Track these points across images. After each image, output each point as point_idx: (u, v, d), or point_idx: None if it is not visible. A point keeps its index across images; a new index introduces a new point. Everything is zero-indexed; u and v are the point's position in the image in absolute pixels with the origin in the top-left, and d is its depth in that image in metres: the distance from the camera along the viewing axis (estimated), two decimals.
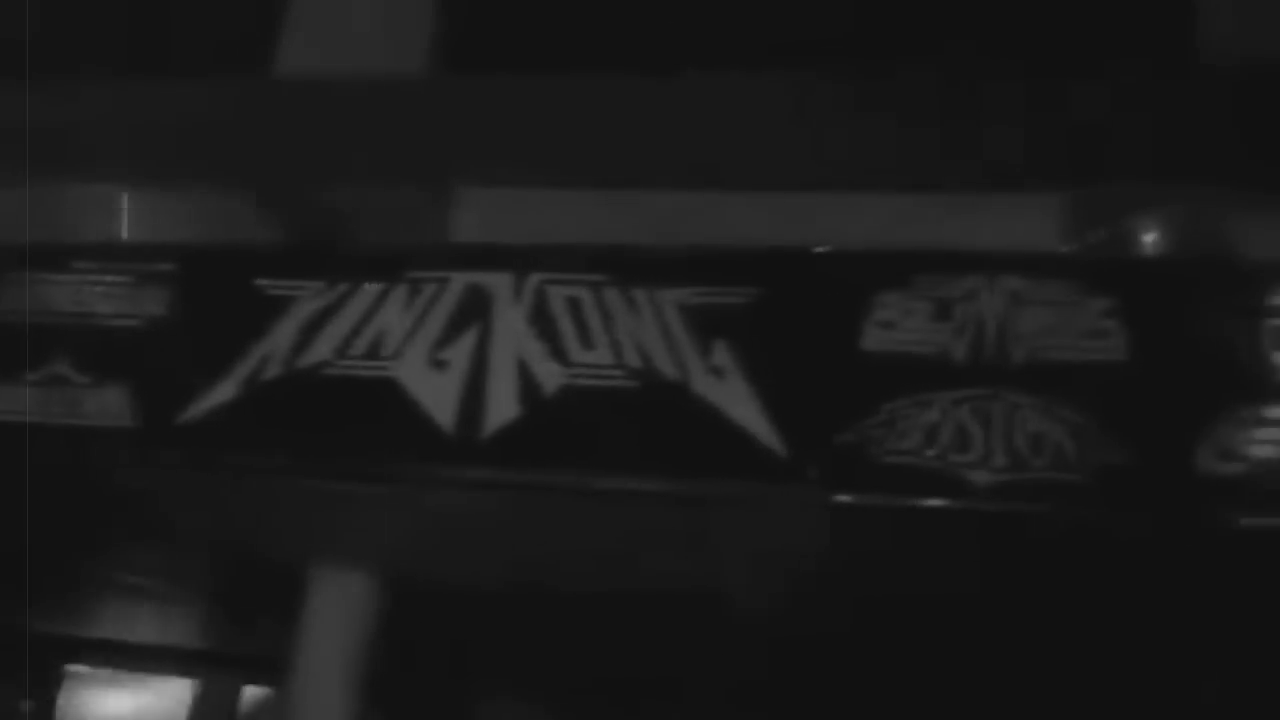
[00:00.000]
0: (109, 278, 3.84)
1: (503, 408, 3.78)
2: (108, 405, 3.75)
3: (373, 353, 3.85)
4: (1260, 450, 3.56)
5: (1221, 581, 3.60)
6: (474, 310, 3.84)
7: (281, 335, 3.82)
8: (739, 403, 3.71)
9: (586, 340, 3.80)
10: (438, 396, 3.78)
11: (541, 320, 3.83)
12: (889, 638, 3.97)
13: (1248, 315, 3.57)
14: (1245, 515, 3.51)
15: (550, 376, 3.81)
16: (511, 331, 3.80)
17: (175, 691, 3.81)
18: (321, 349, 3.81)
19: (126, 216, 3.83)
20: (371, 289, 3.86)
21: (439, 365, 3.79)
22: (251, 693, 3.68)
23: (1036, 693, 4.02)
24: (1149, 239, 3.95)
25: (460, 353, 3.80)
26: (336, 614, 3.75)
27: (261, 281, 3.82)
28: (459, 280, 3.86)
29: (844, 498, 3.56)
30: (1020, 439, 3.62)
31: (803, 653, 4.20)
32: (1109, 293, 3.64)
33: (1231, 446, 3.55)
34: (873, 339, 3.72)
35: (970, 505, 3.54)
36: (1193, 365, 3.59)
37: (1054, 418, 3.62)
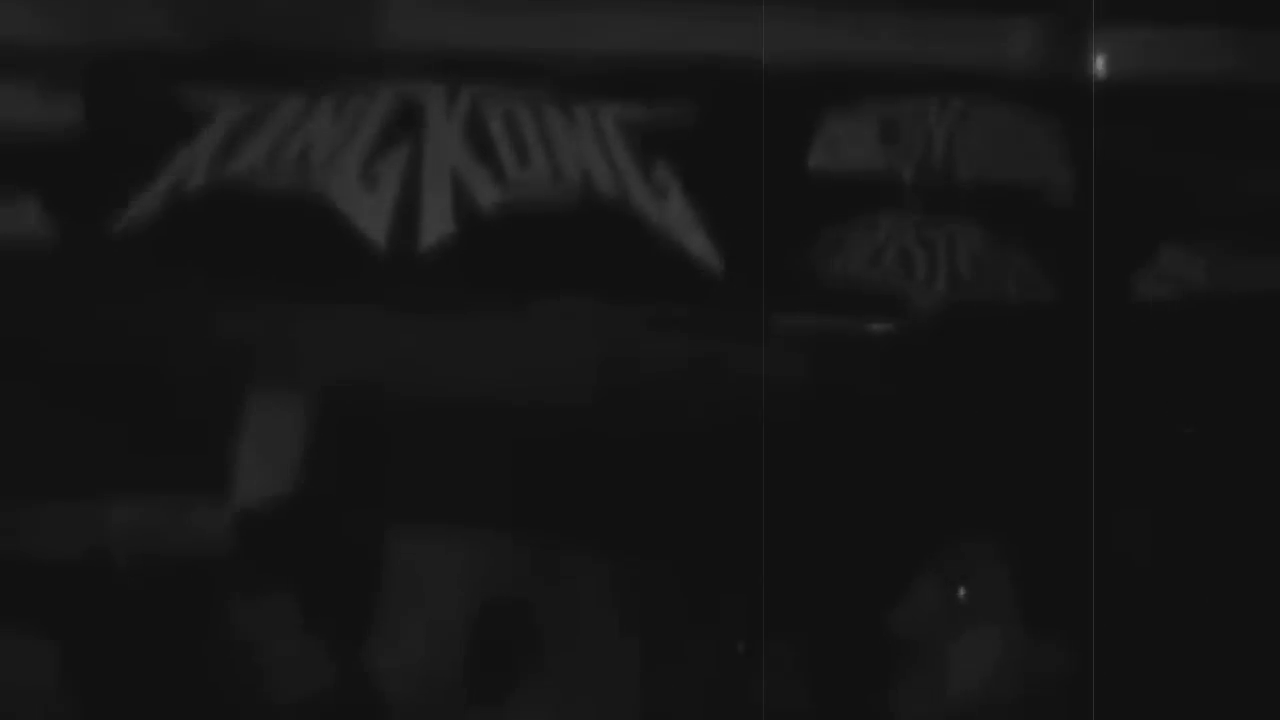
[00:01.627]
0: (15, 85, 3.49)
1: (437, 225, 3.55)
2: (23, 218, 3.44)
3: (300, 167, 3.59)
4: (1194, 274, 3.47)
5: (1148, 397, 3.53)
6: (405, 124, 3.58)
7: (203, 146, 3.52)
8: (681, 223, 3.52)
9: (524, 157, 3.57)
10: (369, 212, 3.54)
11: (477, 135, 3.58)
12: (824, 458, 3.86)
13: (1189, 142, 3.44)
14: (1174, 336, 3.43)
15: (486, 194, 3.59)
16: (445, 147, 3.55)
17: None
18: (246, 162, 3.53)
19: (31, 16, 3.46)
20: (297, 99, 3.57)
21: (370, 180, 3.54)
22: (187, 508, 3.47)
23: (951, 507, 3.94)
24: (1101, 62, 3.79)
25: (392, 168, 3.54)
26: (270, 434, 3.54)
27: (181, 89, 3.51)
28: (388, 91, 3.58)
29: (789, 320, 3.40)
30: (963, 263, 3.50)
31: (735, 475, 4.08)
32: (1056, 117, 3.49)
33: (1168, 271, 3.46)
34: (819, 158, 3.55)
35: (913, 328, 3.41)
36: (1136, 191, 3.47)
37: (997, 242, 3.50)
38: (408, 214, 3.44)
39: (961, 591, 1.57)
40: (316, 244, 3.45)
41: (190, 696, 2.49)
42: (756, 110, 3.49)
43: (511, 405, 3.83)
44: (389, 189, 3.46)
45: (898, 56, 3.45)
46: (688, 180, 3.44)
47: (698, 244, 3.43)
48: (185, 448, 3.35)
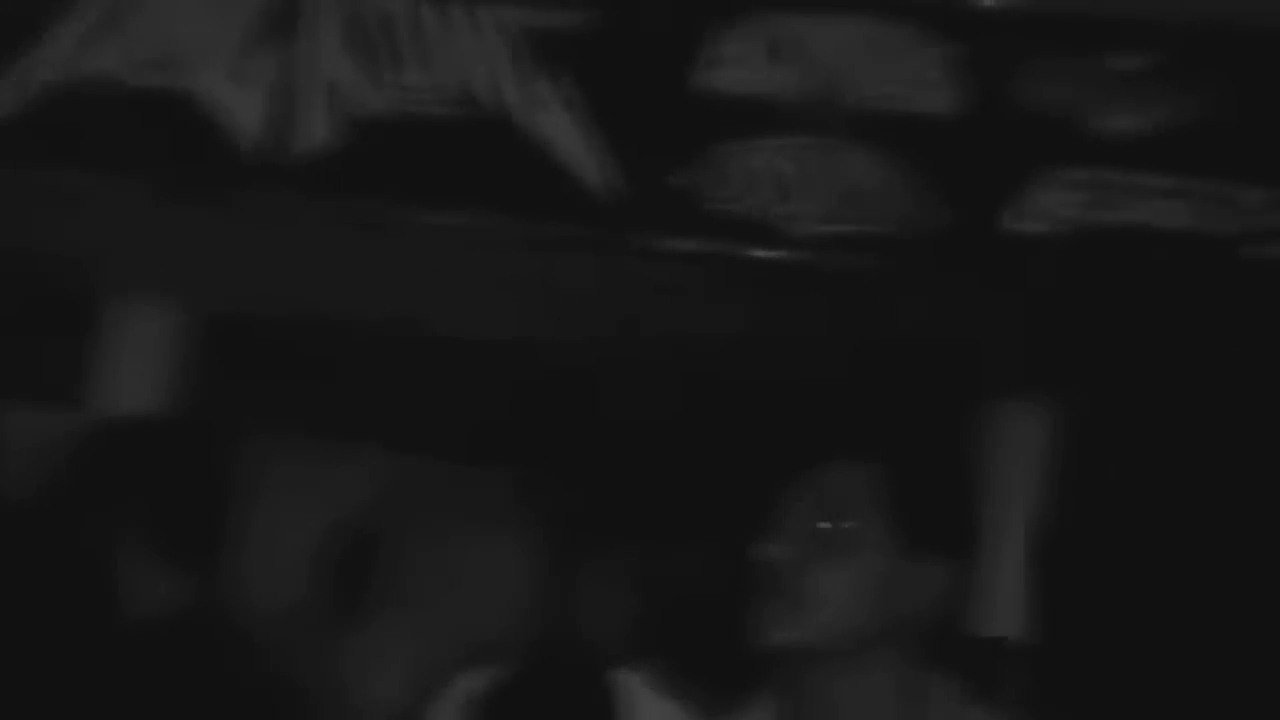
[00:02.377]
0: None
1: (312, 130, 3.38)
2: None
3: (166, 62, 3.37)
4: (1064, 211, 3.46)
5: (1019, 335, 3.55)
6: (280, 19, 3.37)
7: (63, 40, 3.28)
8: (565, 138, 3.41)
9: (403, 62, 3.40)
10: (240, 113, 3.35)
11: (355, 36, 3.40)
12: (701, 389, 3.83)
13: (1075, 73, 3.40)
14: (1044, 273, 3.43)
15: (364, 99, 3.42)
16: (322, 45, 3.36)
17: None
18: (109, 57, 3.30)
19: None
20: None
21: (241, 79, 3.34)
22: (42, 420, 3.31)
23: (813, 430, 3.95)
24: None
25: (265, 67, 3.34)
26: (135, 344, 3.38)
27: None
28: None
29: (671, 244, 3.33)
30: (840, 191, 3.44)
31: (612, 400, 4.03)
32: (944, 42, 3.41)
33: (1037, 206, 3.44)
34: (705, 77, 3.44)
35: (787, 256, 3.36)
36: (1013, 124, 3.43)
37: (878, 169, 3.45)
38: (280, 117, 3.26)
39: (832, 520, 1.61)
40: (182, 145, 3.26)
41: (41, 611, 2.39)
42: (646, 22, 3.35)
43: (385, 322, 3.70)
44: (261, 90, 3.27)
45: None
46: (573, 92, 3.30)
47: (582, 159, 3.31)
48: (38, 357, 3.18)
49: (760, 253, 3.34)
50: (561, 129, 3.34)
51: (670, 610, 2.78)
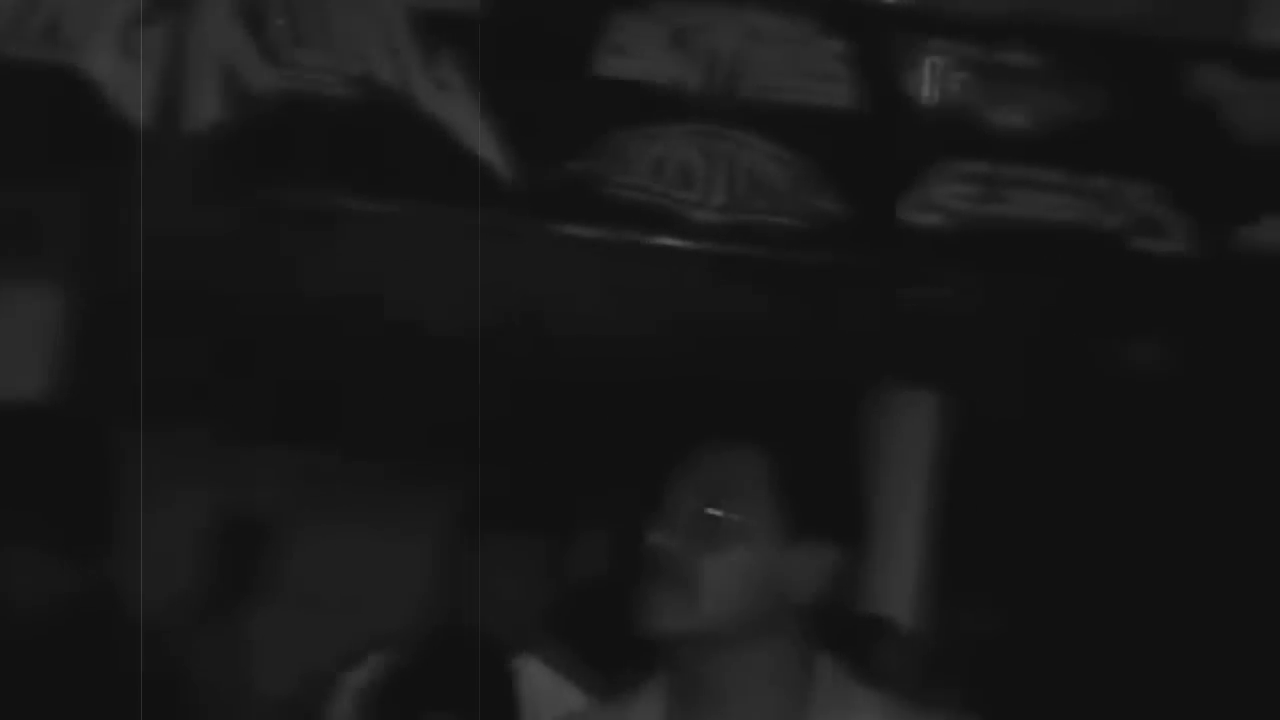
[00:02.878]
0: None
1: (203, 108, 3.24)
2: None
3: (49, 33, 3.20)
4: (958, 203, 3.48)
5: (913, 322, 3.56)
6: None
7: None
8: (466, 121, 3.32)
9: (300, 39, 3.28)
10: (127, 89, 3.19)
11: (249, 13, 3.27)
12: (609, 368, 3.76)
13: (970, 69, 3.43)
14: (939, 264, 3.45)
15: (258, 77, 3.29)
16: (215, 21, 3.23)
17: None
18: None
19: None
20: None
21: (129, 53, 3.19)
22: None
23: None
24: None
25: (154, 40, 3.20)
26: (15, 328, 3.19)
27: None
28: None
29: (571, 229, 3.27)
30: (742, 179, 3.42)
31: (510, 387, 3.95)
32: (843, 36, 3.41)
33: (932, 198, 3.46)
34: (606, 63, 3.38)
35: (689, 243, 3.33)
36: (909, 116, 3.44)
37: (776, 160, 3.44)
38: (171, 93, 3.11)
39: (719, 506, 1.57)
40: (66, 120, 3.09)
41: None
42: (547, 7, 3.29)
43: (275, 305, 3.56)
44: (151, 65, 3.12)
45: None
46: (474, 75, 3.21)
47: (482, 142, 3.22)
48: None
49: (663, 240, 3.28)
50: (462, 112, 3.25)
51: (570, 595, 2.72)
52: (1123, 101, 3.42)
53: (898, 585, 3.64)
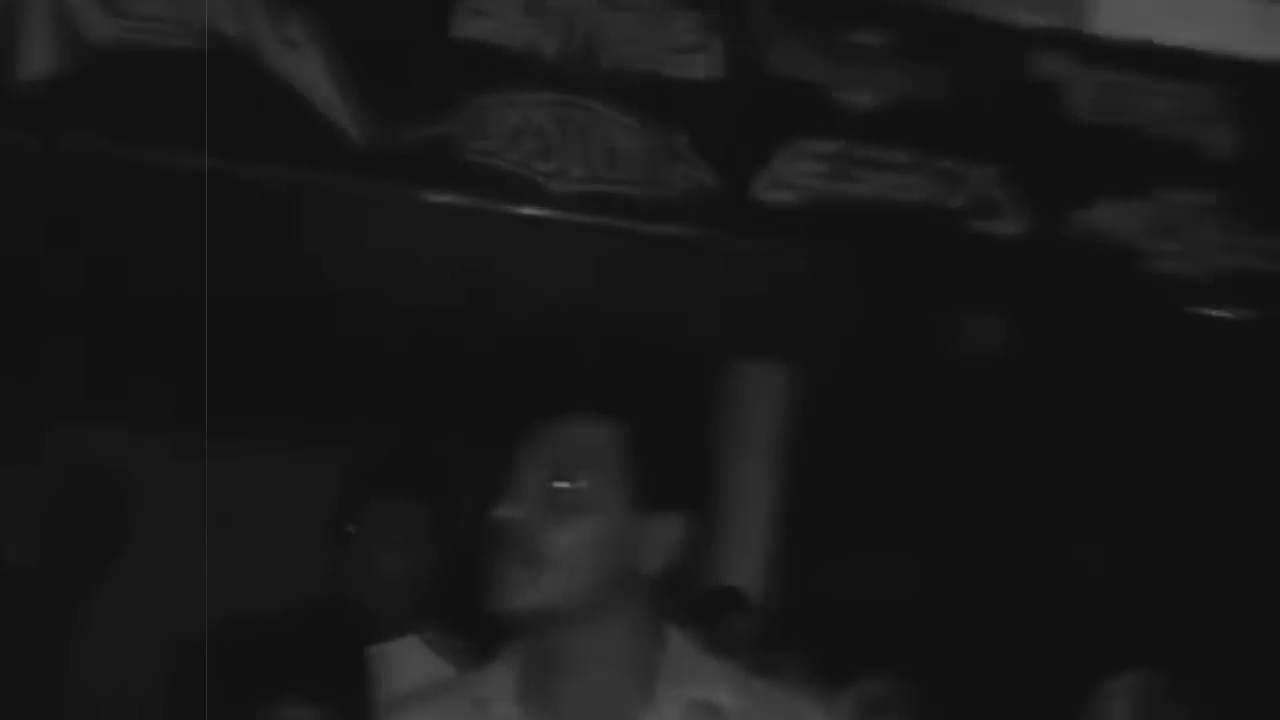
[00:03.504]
0: None
1: (37, 58, 3.02)
2: None
3: None
4: (810, 181, 3.47)
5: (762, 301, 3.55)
6: None
7: None
8: (316, 81, 3.16)
9: None
10: None
11: None
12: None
13: (821, 47, 3.41)
14: (791, 240, 3.43)
15: (96, 26, 3.08)
16: None
17: None
18: None
19: None
20: None
21: None
22: None
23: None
24: None
25: None
26: None
27: None
28: None
29: (426, 194, 3.15)
30: (599, 150, 3.35)
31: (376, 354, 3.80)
32: (698, 8, 3.36)
33: (785, 175, 3.45)
34: (462, 25, 3.26)
35: (547, 213, 3.25)
36: (765, 93, 3.41)
37: (633, 131, 3.37)
38: (5, 41, 2.89)
39: (566, 478, 1.52)
40: None
41: None
42: None
43: (110, 264, 3.35)
44: None
45: None
46: (325, 33, 3.06)
47: (334, 104, 3.07)
48: None
49: (520, 209, 3.18)
50: (311, 71, 3.08)
51: (446, 569, 2.62)
52: (966, 84, 3.42)
53: (747, 555, 3.62)
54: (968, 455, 3.78)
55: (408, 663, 2.24)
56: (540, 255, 3.31)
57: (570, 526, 1.50)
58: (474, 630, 2.46)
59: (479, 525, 1.67)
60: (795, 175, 3.39)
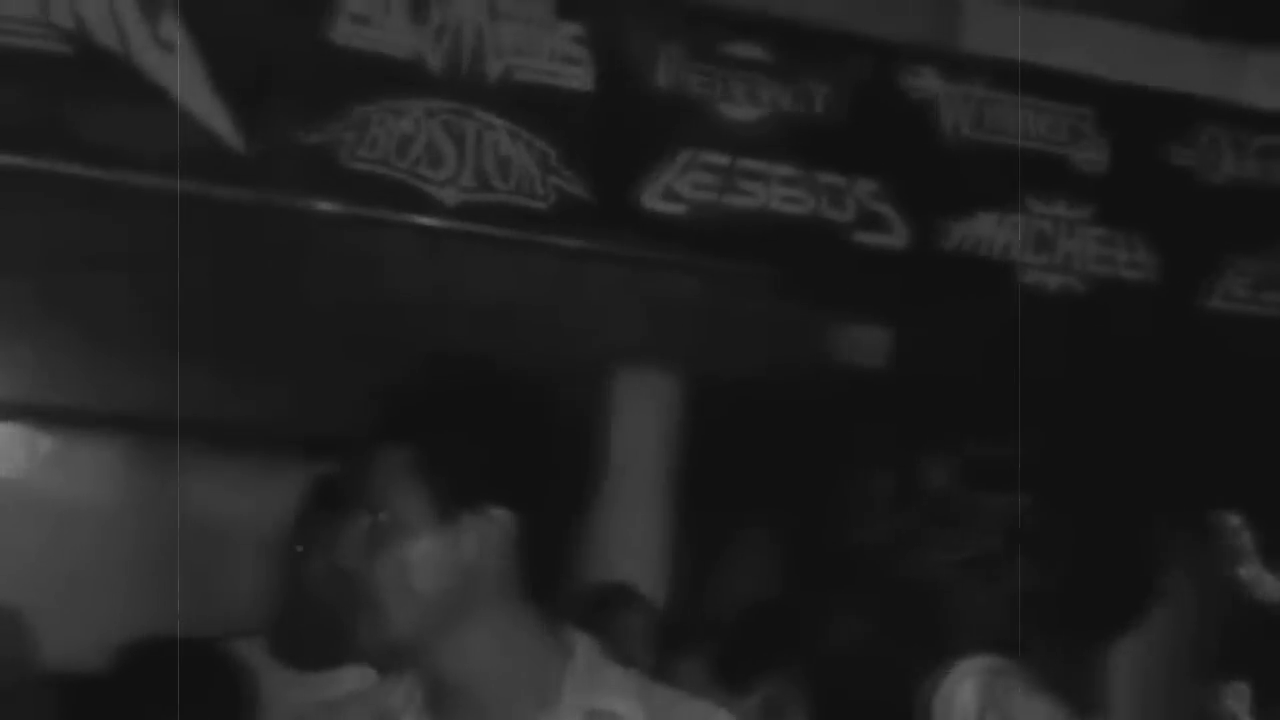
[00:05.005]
0: None
1: None
2: None
3: None
4: (698, 193, 3.35)
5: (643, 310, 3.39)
6: None
7: None
8: (192, 85, 2.91)
9: None
10: None
11: None
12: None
13: (704, 60, 3.29)
14: (679, 251, 3.30)
15: None
16: None
17: None
18: None
19: None
20: None
21: None
22: None
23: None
24: None
25: None
26: None
27: None
28: None
29: (315, 203, 2.91)
30: (489, 160, 3.17)
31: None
32: (580, 19, 3.21)
33: (673, 187, 3.32)
34: (345, 32, 3.05)
35: (437, 222, 3.05)
36: (648, 103, 3.28)
37: (522, 142, 3.19)
38: None
39: (373, 510, 1.45)
40: None
41: None
42: None
43: None
44: None
45: None
46: (202, 36, 2.81)
47: (211, 110, 2.82)
48: None
49: (410, 217, 2.96)
50: (189, 76, 2.83)
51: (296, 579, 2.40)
52: (846, 100, 3.34)
53: (640, 563, 3.45)
54: (853, 461, 3.65)
55: (254, 667, 2.03)
56: (430, 265, 3.08)
57: (388, 555, 1.43)
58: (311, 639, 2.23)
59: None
60: (684, 187, 3.25)
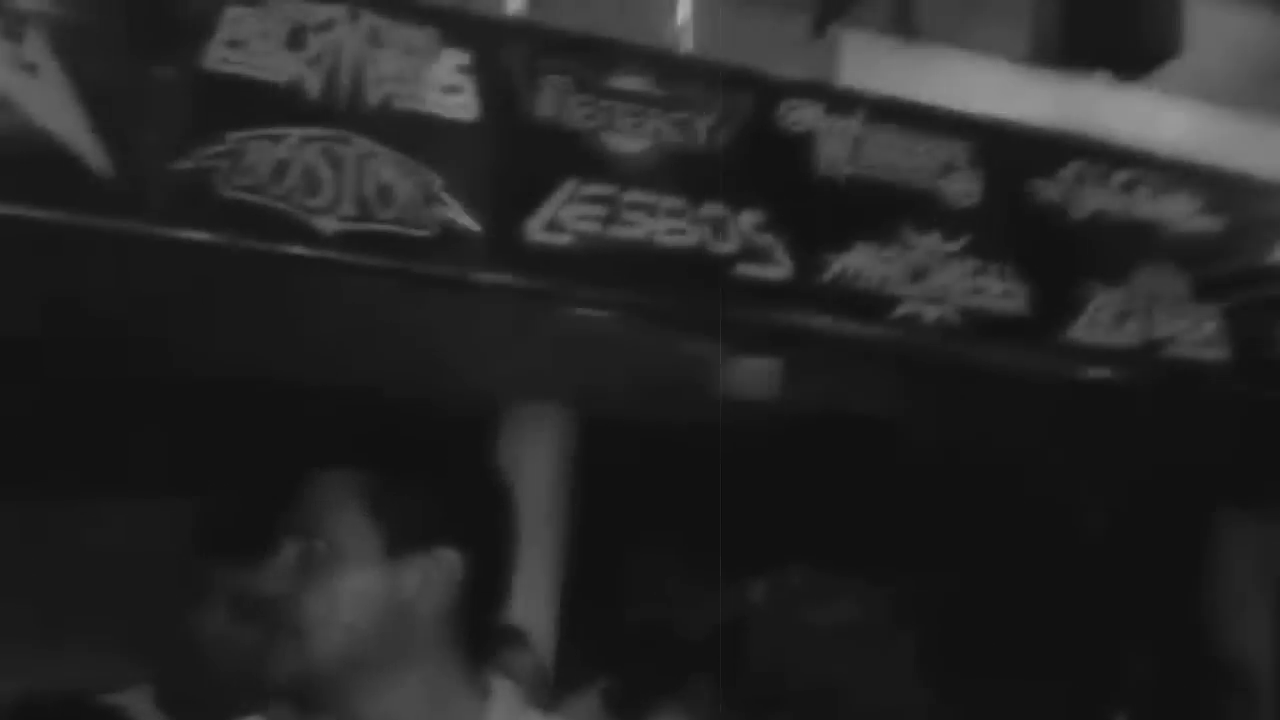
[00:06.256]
0: None
1: None
2: None
3: None
4: (583, 224, 3.21)
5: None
6: None
7: None
8: (58, 110, 2.67)
9: None
10: None
11: None
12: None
13: (588, 90, 3.15)
14: (565, 283, 3.16)
15: None
16: None
17: None
18: None
19: None
20: None
21: None
22: None
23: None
24: (514, 2, 3.38)
25: None
26: None
27: None
28: None
29: (186, 232, 2.69)
30: (370, 188, 2.98)
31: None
32: (463, 47, 3.04)
33: (558, 218, 3.17)
34: (219, 58, 2.84)
35: (316, 252, 2.85)
36: (532, 133, 3.12)
37: (403, 170, 3.01)
38: None
39: (313, 536, 1.37)
40: None
41: None
42: None
43: None
44: None
45: None
46: (69, 62, 2.58)
47: (78, 137, 2.58)
48: None
49: (288, 248, 2.75)
50: (55, 101, 2.60)
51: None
52: (728, 133, 3.23)
53: (532, 597, 3.27)
54: (744, 492, 3.53)
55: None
56: (311, 297, 2.87)
57: (323, 588, 1.34)
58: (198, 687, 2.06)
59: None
60: (568, 218, 3.09)
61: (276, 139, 2.87)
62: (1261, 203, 3.71)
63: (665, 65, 3.26)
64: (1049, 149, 3.57)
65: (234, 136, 2.84)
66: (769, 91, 3.35)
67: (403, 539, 1.36)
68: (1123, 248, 3.68)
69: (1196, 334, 3.67)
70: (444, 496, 1.39)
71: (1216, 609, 4.41)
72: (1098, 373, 3.58)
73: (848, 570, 3.67)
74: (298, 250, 2.86)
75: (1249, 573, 4.47)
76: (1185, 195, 3.69)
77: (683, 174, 3.26)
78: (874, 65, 3.50)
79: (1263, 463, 3.78)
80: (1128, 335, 3.66)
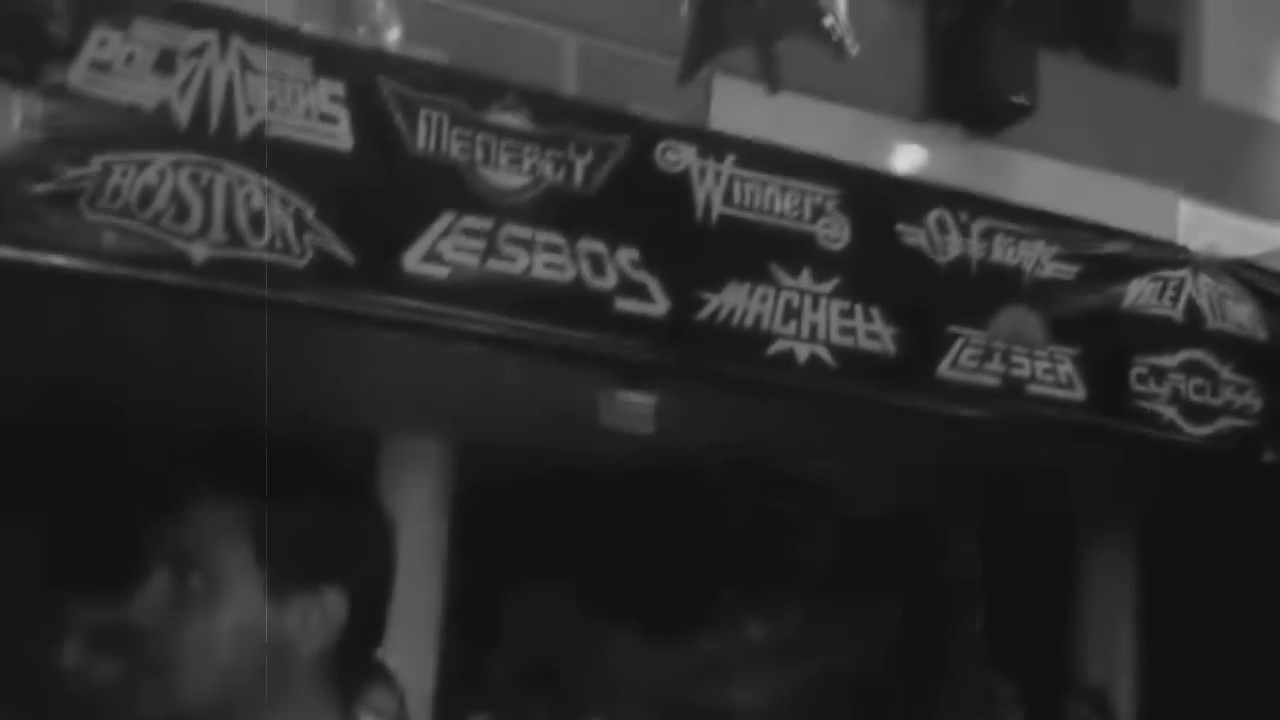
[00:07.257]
0: None
1: None
2: None
3: None
4: (461, 257, 3.10)
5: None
6: None
7: None
8: None
9: None
10: None
11: None
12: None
13: (463, 126, 3.06)
14: (445, 315, 3.03)
15: None
16: None
17: None
18: None
19: None
20: None
21: None
22: None
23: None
24: (392, 35, 3.27)
25: None
26: None
27: None
28: None
29: (48, 257, 2.50)
30: (241, 216, 2.82)
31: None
32: (339, 78, 2.92)
33: (436, 250, 3.06)
34: (86, 79, 2.67)
35: (185, 281, 2.67)
36: (408, 165, 3.01)
37: (276, 197, 2.85)
38: None
39: (191, 569, 1.25)
40: None
41: None
42: (19, 8, 2.53)
43: None
44: None
45: None
46: None
47: None
48: None
49: (156, 275, 2.57)
50: None
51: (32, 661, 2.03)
52: (607, 171, 3.16)
53: (410, 627, 3.10)
54: (628, 529, 3.38)
55: None
56: (185, 327, 2.67)
57: (199, 624, 1.22)
58: None
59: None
60: (446, 250, 2.97)
61: (144, 163, 2.69)
62: (1111, 250, 3.75)
63: (543, 103, 3.17)
64: (913, 196, 3.57)
65: (98, 159, 2.65)
66: (646, 132, 3.28)
67: (287, 577, 1.25)
68: (982, 292, 3.68)
69: (1053, 374, 3.67)
70: (331, 535, 1.28)
71: (1078, 637, 4.39)
72: (964, 410, 3.55)
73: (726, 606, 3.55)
74: (166, 277, 2.66)
75: (1109, 601, 4.47)
76: (1040, 243, 3.71)
77: (561, 210, 3.16)
78: (744, 110, 3.46)
79: (1119, 495, 3.77)
80: (989, 375, 3.64)
